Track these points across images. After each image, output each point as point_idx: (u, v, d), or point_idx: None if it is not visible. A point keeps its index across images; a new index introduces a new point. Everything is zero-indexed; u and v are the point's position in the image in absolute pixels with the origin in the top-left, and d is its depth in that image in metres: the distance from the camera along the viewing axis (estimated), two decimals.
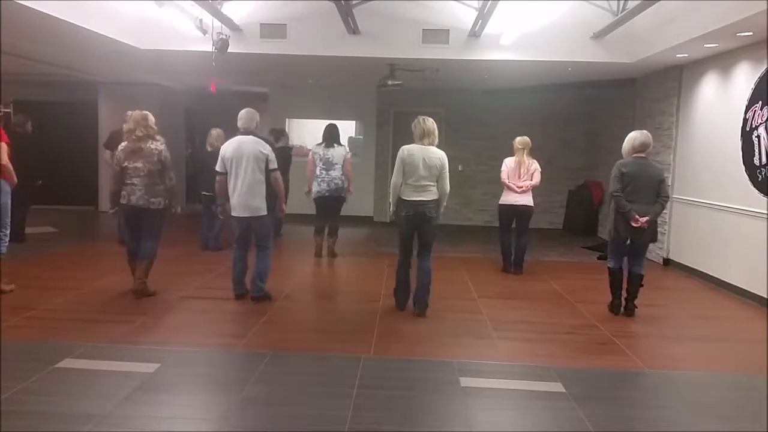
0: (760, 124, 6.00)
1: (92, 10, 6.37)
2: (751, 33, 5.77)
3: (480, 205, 11.52)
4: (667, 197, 5.42)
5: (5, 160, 5.29)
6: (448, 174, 5.17)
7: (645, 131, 5.49)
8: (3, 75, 9.71)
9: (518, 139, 7.12)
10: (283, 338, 4.62)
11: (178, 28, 7.38)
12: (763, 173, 5.96)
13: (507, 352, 4.42)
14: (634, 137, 5.40)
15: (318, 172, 7.53)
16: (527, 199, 7.03)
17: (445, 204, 5.27)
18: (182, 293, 5.71)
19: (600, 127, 10.87)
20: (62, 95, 11.58)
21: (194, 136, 13.51)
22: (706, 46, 6.50)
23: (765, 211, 5.90)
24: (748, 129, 6.24)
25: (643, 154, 5.36)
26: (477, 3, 6.73)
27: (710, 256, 6.99)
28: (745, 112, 6.29)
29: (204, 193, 7.81)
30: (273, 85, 11.67)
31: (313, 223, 7.91)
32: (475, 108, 11.44)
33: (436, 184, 5.13)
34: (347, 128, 11.44)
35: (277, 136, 9.09)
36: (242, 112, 5.49)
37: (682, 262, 7.62)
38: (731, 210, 6.51)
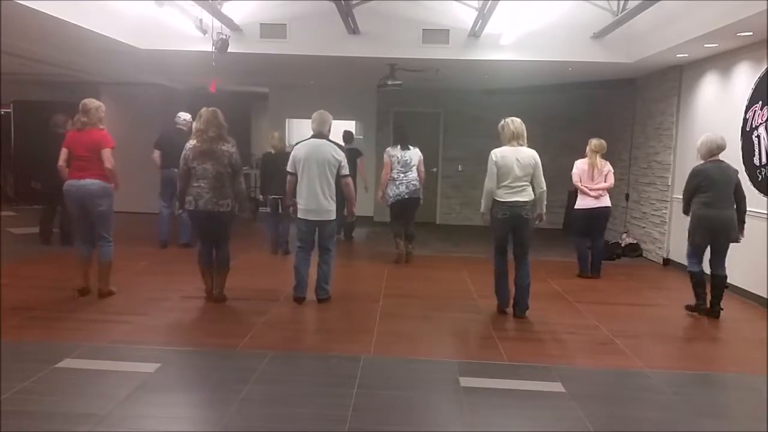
0: (760, 124, 6.01)
1: (92, 10, 6.37)
2: (751, 33, 5.77)
3: (480, 205, 11.48)
4: (745, 198, 5.35)
5: (112, 164, 5.22)
6: (542, 172, 5.13)
7: (720, 135, 5.37)
8: (3, 75, 9.73)
9: (595, 142, 7.01)
10: (283, 338, 4.62)
11: (178, 28, 7.39)
12: (763, 173, 5.96)
13: (507, 352, 4.41)
14: (711, 140, 5.31)
15: (395, 175, 7.38)
16: (605, 201, 6.93)
17: (545, 203, 5.22)
18: (183, 293, 5.70)
19: (600, 127, 10.83)
20: (62, 95, 11.58)
21: None
22: (706, 46, 6.50)
23: (765, 211, 5.90)
24: (748, 129, 6.24)
25: (719, 157, 5.31)
26: (477, 3, 6.73)
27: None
28: (745, 112, 6.29)
29: (273, 196, 7.80)
30: (273, 85, 11.67)
31: (390, 227, 7.83)
32: (475, 108, 11.43)
33: (530, 184, 5.11)
34: (347, 128, 11.42)
35: (346, 138, 9.06)
36: (315, 115, 5.47)
37: (682, 262, 7.59)
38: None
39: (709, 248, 5.43)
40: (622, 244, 8.75)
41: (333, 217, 5.41)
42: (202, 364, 4.02)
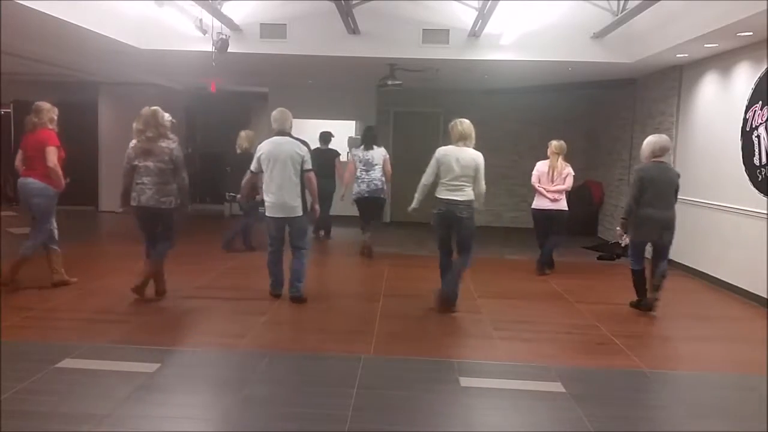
0: (760, 124, 6.00)
1: (92, 10, 6.37)
2: (751, 33, 5.77)
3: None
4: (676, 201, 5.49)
5: (53, 163, 5.33)
6: (483, 175, 5.24)
7: (664, 135, 5.53)
8: (3, 75, 9.72)
9: (555, 143, 7.04)
10: (283, 338, 4.63)
11: (178, 28, 7.39)
12: (763, 173, 5.96)
13: (507, 352, 4.42)
14: (654, 141, 5.43)
15: (358, 174, 7.62)
16: (560, 204, 6.96)
17: (480, 203, 5.34)
18: (183, 293, 5.71)
19: (600, 128, 10.87)
20: (62, 95, 11.57)
21: (194, 135, 13.52)
22: (706, 46, 6.50)
23: (765, 211, 5.90)
24: (748, 129, 6.24)
25: (662, 159, 5.39)
26: (477, 3, 6.73)
27: (710, 256, 6.98)
28: (745, 112, 6.29)
29: (231, 194, 8.01)
30: (273, 85, 11.67)
31: (357, 224, 8.06)
32: (475, 108, 11.38)
33: (471, 185, 5.21)
34: (347, 128, 11.45)
35: (324, 139, 9.15)
36: (276, 113, 5.50)
37: (682, 262, 7.62)
38: (731, 210, 6.51)
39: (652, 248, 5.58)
40: (622, 244, 8.73)
41: (300, 213, 5.39)
42: (202, 364, 4.02)
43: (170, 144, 5.25)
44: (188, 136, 13.43)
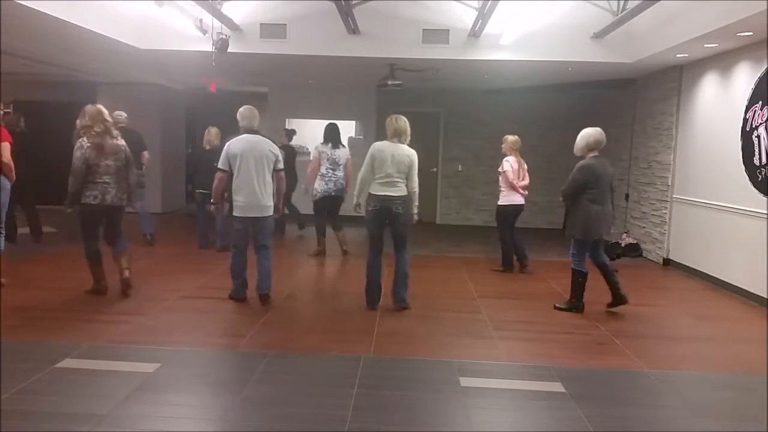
0: (760, 124, 6.01)
1: (92, 10, 6.37)
2: (751, 33, 5.77)
3: (480, 205, 11.51)
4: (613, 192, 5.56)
5: (6, 157, 5.36)
6: (416, 172, 5.27)
7: (599, 129, 5.45)
8: (3, 75, 9.72)
9: (512, 139, 7.12)
10: (283, 338, 4.62)
11: (178, 28, 7.39)
12: (763, 173, 5.96)
13: (507, 352, 4.42)
14: (589, 134, 5.39)
15: (324, 171, 7.56)
16: (524, 198, 7.16)
17: (417, 203, 5.37)
18: (182, 293, 5.71)
19: (600, 127, 10.84)
20: (62, 95, 11.58)
21: (194, 135, 13.52)
22: (706, 46, 6.50)
23: (765, 211, 5.90)
24: (748, 129, 6.24)
25: (597, 153, 5.36)
26: (477, 3, 6.73)
27: (710, 256, 6.99)
28: (745, 112, 6.29)
29: (199, 191, 7.89)
30: (273, 85, 11.68)
31: (315, 223, 7.92)
32: (474, 108, 11.43)
33: (405, 181, 5.24)
34: (347, 128, 11.46)
35: (289, 136, 9.22)
36: (244, 110, 5.43)
37: (682, 262, 7.62)
38: (731, 210, 6.51)
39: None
40: (622, 244, 8.75)
41: (271, 212, 5.38)
42: (202, 364, 4.02)
43: (122, 141, 5.38)
44: (188, 136, 13.45)
